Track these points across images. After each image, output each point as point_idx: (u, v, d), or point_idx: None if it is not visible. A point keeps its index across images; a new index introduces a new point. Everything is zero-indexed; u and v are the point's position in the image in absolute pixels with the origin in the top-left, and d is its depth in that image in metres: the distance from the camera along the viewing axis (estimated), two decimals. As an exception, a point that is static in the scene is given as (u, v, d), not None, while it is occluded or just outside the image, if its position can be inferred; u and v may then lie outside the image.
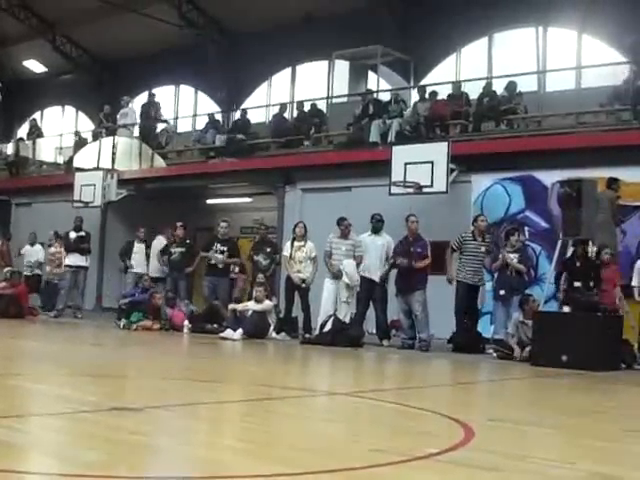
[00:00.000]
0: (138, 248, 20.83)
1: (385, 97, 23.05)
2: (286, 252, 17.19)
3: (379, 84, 24.50)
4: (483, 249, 15.63)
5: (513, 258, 14.95)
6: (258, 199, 24.65)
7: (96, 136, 28.45)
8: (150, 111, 27.71)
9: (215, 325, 17.35)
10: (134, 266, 20.72)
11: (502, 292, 14.87)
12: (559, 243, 14.53)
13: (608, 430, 6.92)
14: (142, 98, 33.28)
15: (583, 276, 13.91)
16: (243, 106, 28.52)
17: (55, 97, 36.68)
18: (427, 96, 21.44)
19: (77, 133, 30.13)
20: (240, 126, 25.19)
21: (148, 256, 20.79)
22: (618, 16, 20.72)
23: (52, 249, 22.77)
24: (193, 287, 21.08)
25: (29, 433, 5.53)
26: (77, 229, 21.33)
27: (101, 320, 20.52)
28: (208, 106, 30.20)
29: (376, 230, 16.44)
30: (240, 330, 15.94)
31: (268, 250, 17.98)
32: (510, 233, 15.34)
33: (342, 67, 26.16)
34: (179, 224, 19.71)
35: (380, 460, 5.02)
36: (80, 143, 28.72)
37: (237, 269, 18.99)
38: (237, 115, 28.15)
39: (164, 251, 19.81)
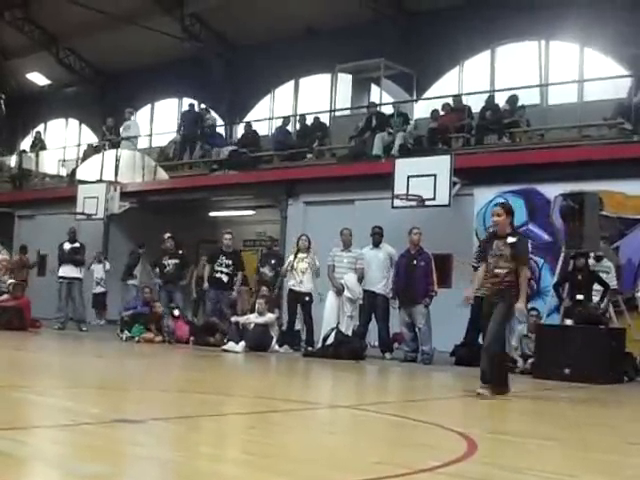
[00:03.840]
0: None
1: (388, 110, 23.07)
2: (288, 264, 17.18)
3: (382, 97, 24.52)
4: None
5: None
6: (261, 212, 24.69)
7: (99, 149, 28.47)
8: (195, 119, 27.73)
9: (217, 337, 17.33)
10: (136, 277, 20.73)
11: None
12: (562, 256, 14.54)
13: (611, 443, 6.92)
14: (145, 110, 33.44)
15: (584, 288, 13.92)
16: (246, 119, 28.57)
17: (58, 109, 36.74)
18: (441, 111, 21.44)
19: (89, 145, 30.14)
20: (250, 140, 25.12)
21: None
22: (620, 29, 20.72)
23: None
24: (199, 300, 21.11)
25: (32, 445, 5.54)
26: (71, 240, 21.27)
27: (104, 332, 20.51)
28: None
29: (376, 243, 16.44)
30: (242, 343, 15.95)
31: (273, 262, 17.95)
32: None
33: (345, 80, 26.18)
34: (167, 235, 19.60)
35: (382, 473, 5.02)
36: (90, 154, 28.68)
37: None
38: (240, 128, 28.21)
39: (155, 264, 19.74)
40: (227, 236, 18.46)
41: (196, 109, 28.53)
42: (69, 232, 21.44)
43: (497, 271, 9.77)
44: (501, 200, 14.28)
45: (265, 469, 5.03)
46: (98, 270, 23.78)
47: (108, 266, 24.08)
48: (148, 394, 8.94)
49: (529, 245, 10.50)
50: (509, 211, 10.02)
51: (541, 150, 18.69)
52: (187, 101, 30.17)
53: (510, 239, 9.79)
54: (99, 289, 24.21)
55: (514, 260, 9.72)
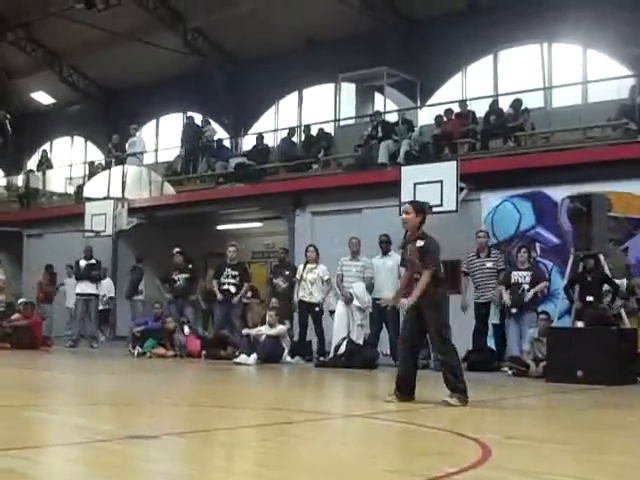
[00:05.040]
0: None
1: (392, 118, 23.08)
2: (298, 275, 17.20)
3: (386, 105, 24.53)
4: (490, 264, 15.62)
5: (522, 277, 14.97)
6: (268, 224, 24.67)
7: (105, 166, 28.52)
8: (195, 132, 27.72)
9: (228, 350, 17.32)
10: (142, 292, 20.78)
11: (514, 310, 14.86)
12: (571, 258, 14.51)
13: (626, 445, 6.89)
14: (151, 126, 33.53)
15: (595, 290, 13.89)
16: (251, 131, 28.60)
17: (64, 128, 36.82)
18: (444, 117, 21.42)
19: (91, 163, 30.20)
20: (259, 152, 25.08)
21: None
22: (621, 29, 20.73)
23: None
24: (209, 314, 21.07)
25: (45, 464, 5.54)
26: (87, 258, 21.36)
27: (115, 349, 20.52)
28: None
29: (384, 251, 16.44)
30: (254, 355, 15.93)
31: (287, 273, 17.93)
32: (517, 251, 15.38)
33: (348, 89, 26.21)
34: (176, 250, 19.60)
35: (397, 481, 5.01)
36: (94, 172, 28.76)
37: (250, 294, 18.92)
38: (245, 140, 28.25)
39: (166, 279, 19.77)
40: (231, 248, 18.46)
41: (196, 122, 28.52)
42: (85, 249, 21.56)
43: (415, 276, 9.52)
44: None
45: (279, 481, 5.03)
46: (103, 287, 23.71)
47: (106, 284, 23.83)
48: (161, 409, 8.95)
49: (438, 248, 9.86)
50: (419, 210, 9.62)
51: (547, 153, 18.67)
52: (191, 115, 30.18)
53: (419, 242, 9.48)
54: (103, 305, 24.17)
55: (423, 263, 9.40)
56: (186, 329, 18.45)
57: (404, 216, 9.55)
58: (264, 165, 24.59)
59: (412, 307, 9.46)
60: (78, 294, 21.27)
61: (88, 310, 21.17)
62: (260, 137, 25.74)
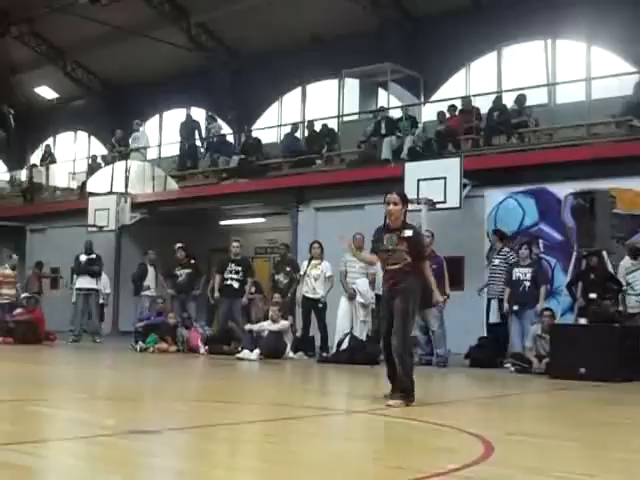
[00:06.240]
0: (150, 271, 20.81)
1: (396, 114, 23.06)
2: (302, 271, 17.19)
3: (389, 101, 24.51)
4: (496, 262, 15.64)
5: (524, 274, 14.97)
6: (272, 219, 24.68)
7: (109, 160, 28.52)
8: (192, 130, 27.66)
9: (231, 346, 17.31)
10: (150, 288, 20.70)
11: (515, 307, 14.84)
12: (574, 255, 14.50)
13: (629, 442, 6.88)
14: (154, 121, 33.51)
15: (598, 287, 13.87)
16: (254, 127, 28.59)
17: (67, 122, 36.84)
18: (447, 113, 21.40)
19: (93, 157, 30.21)
20: (252, 146, 25.11)
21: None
22: (626, 26, 20.71)
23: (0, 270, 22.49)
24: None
25: (48, 458, 5.54)
26: (87, 252, 21.32)
27: (118, 344, 20.52)
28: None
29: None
30: (257, 350, 15.92)
31: (288, 269, 17.92)
32: (518, 247, 15.39)
33: (352, 85, 26.18)
34: (178, 245, 19.58)
35: (399, 477, 5.01)
36: (95, 167, 28.80)
37: (253, 289, 18.90)
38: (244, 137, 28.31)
39: (168, 274, 19.76)
40: (235, 244, 18.41)
41: (194, 118, 28.39)
42: (85, 244, 21.49)
43: (390, 267, 9.02)
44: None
45: (282, 477, 5.02)
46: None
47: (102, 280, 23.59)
48: (163, 404, 8.94)
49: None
50: (405, 200, 9.23)
51: (550, 149, 18.66)
52: (195, 110, 30.18)
53: (407, 232, 9.03)
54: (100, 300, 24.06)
55: (411, 256, 8.92)
56: (199, 328, 18.42)
57: (391, 207, 9.07)
58: (265, 161, 24.60)
59: (387, 300, 9.11)
60: (78, 289, 21.24)
61: (88, 305, 21.14)
62: (249, 131, 25.75)
